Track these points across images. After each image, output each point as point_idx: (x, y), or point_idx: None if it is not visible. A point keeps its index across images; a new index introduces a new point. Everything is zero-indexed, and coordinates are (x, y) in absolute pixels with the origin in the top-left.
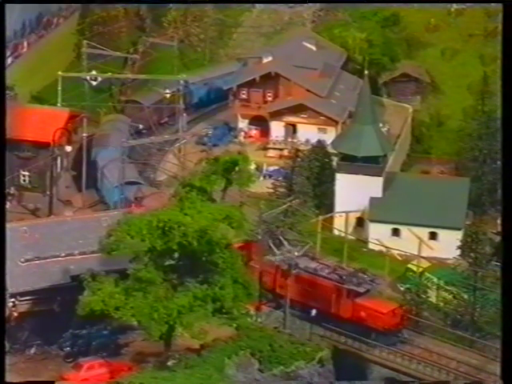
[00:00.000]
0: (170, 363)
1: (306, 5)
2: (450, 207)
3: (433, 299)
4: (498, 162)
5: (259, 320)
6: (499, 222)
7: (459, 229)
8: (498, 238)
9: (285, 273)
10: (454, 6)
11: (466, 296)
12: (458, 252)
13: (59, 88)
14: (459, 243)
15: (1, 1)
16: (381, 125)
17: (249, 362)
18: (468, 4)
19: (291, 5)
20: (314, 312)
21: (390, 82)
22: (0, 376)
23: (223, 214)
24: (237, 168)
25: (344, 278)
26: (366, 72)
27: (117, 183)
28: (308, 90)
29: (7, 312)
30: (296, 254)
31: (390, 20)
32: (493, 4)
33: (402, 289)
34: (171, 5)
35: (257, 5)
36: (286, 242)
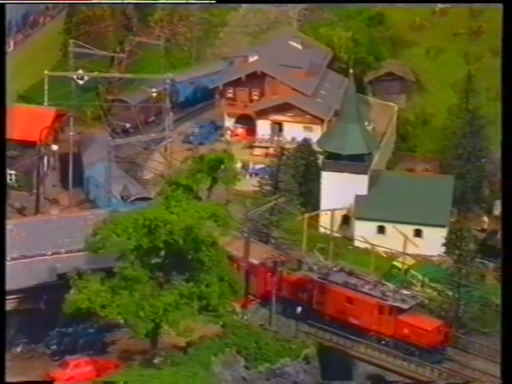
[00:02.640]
0: (156, 361)
1: (291, 4)
2: (434, 205)
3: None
4: (482, 160)
5: (245, 317)
6: (484, 219)
7: (444, 226)
8: (482, 236)
9: (323, 287)
10: (439, 5)
11: (450, 293)
12: (443, 249)
13: (46, 87)
14: (444, 240)
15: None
16: (366, 123)
17: (235, 359)
18: (463, 4)
19: (277, 4)
20: (299, 309)
21: (375, 80)
22: (0, 376)
23: (209, 212)
24: (222, 166)
25: (387, 294)
26: (352, 71)
27: (103, 182)
28: (294, 89)
29: None
30: (334, 269)
31: (375, 19)
32: (493, 4)
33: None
34: (158, 4)
35: (243, 4)
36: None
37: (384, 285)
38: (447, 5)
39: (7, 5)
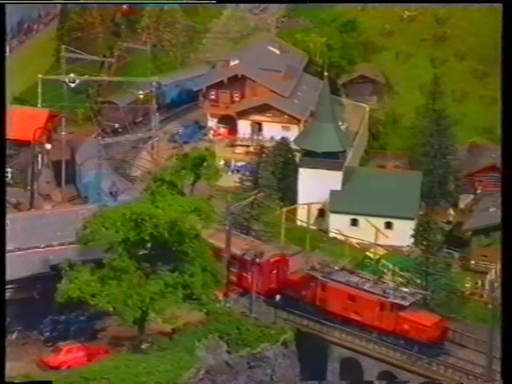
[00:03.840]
0: (143, 346)
1: (269, 12)
2: (404, 199)
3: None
4: (448, 157)
5: (227, 305)
6: (450, 212)
7: (412, 219)
8: (448, 227)
9: (323, 285)
10: (407, 12)
11: (418, 281)
12: (412, 240)
13: (39, 90)
14: (412, 232)
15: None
16: (340, 123)
17: (217, 344)
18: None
19: (256, 11)
20: (278, 297)
21: (348, 83)
22: (0, 376)
23: (192, 206)
24: (205, 163)
25: (387, 291)
26: (326, 74)
27: (93, 178)
28: (272, 91)
29: None
30: (336, 268)
31: (347, 26)
32: (492, 4)
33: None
34: (145, 12)
35: (224, 11)
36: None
37: (384, 283)
38: (414, 12)
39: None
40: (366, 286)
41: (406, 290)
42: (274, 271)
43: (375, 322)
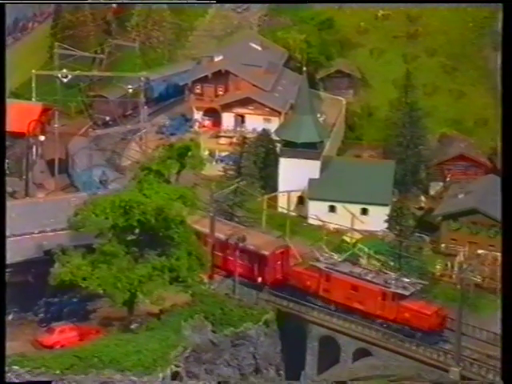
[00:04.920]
0: (133, 326)
1: (252, 11)
2: (378, 186)
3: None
4: (420, 147)
5: (212, 287)
6: (421, 199)
7: (386, 205)
8: (419, 213)
9: (327, 275)
10: (381, 11)
11: (392, 263)
12: (386, 225)
13: (33, 85)
14: (386, 217)
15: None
16: (318, 115)
17: (203, 324)
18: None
19: (239, 10)
20: (259, 279)
21: (325, 77)
22: (0, 376)
23: (177, 194)
24: (189, 153)
25: (389, 281)
26: (305, 69)
27: (85, 168)
28: (254, 85)
29: None
30: (339, 260)
31: (325, 24)
32: (492, 4)
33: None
34: (134, 11)
35: (209, 10)
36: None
37: (386, 273)
38: (388, 11)
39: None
40: (369, 277)
41: (408, 280)
42: (279, 262)
43: (377, 311)
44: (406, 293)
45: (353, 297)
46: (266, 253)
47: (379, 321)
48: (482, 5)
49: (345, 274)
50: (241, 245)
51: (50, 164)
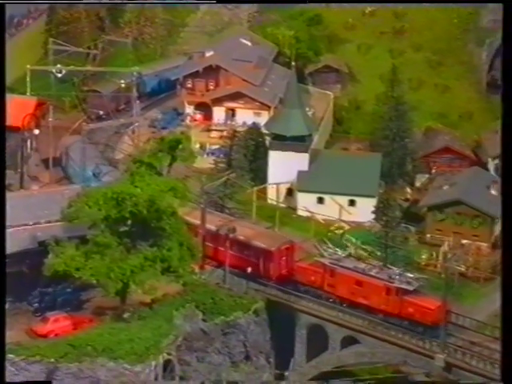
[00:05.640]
0: (125, 316)
1: (242, 7)
2: (365, 178)
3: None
4: (406, 140)
5: (203, 277)
6: (407, 190)
7: (373, 197)
8: (405, 204)
9: (332, 271)
10: (368, 8)
11: (379, 253)
12: (373, 216)
13: (28, 79)
14: (373, 209)
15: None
16: (307, 109)
17: (194, 313)
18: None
19: (230, 7)
20: (249, 269)
21: (314, 72)
22: (0, 376)
23: (169, 185)
24: (180, 146)
25: (393, 277)
26: (294, 64)
27: (79, 161)
28: (244, 80)
29: None
30: (343, 255)
31: (314, 20)
32: (492, 4)
33: (316, 245)
34: (127, 7)
35: (201, 7)
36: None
37: (390, 269)
38: (374, 7)
39: None
40: (373, 272)
41: (411, 275)
42: (284, 258)
43: (381, 306)
44: (410, 288)
45: (357, 292)
46: (272, 249)
47: (383, 315)
48: (482, 5)
49: (349, 269)
50: (243, 239)
51: (45, 157)
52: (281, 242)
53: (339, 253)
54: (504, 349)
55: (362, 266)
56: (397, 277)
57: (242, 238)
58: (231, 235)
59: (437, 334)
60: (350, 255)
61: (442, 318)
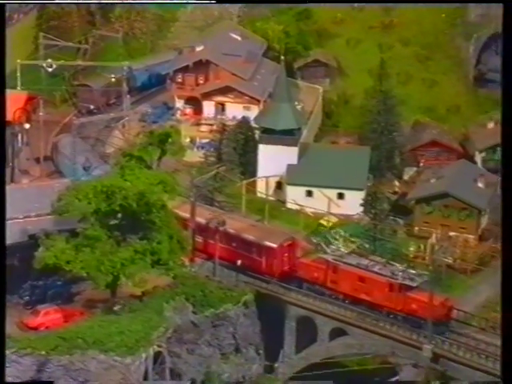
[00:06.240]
0: (115, 308)
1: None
2: (354, 172)
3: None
4: (394, 133)
5: (193, 270)
6: (395, 183)
7: (362, 190)
8: (393, 197)
9: (335, 267)
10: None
11: (367, 245)
12: (361, 209)
13: (18, 74)
14: (362, 202)
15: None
16: (296, 103)
17: (184, 305)
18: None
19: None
20: (239, 262)
21: (303, 66)
22: (0, 376)
23: (158, 179)
24: (170, 140)
25: (396, 273)
26: (283, 58)
27: (69, 155)
28: (234, 74)
29: None
30: (345, 251)
31: (303, 14)
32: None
33: (314, 241)
34: (121, 3)
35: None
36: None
37: (393, 265)
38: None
39: None
40: (376, 268)
41: (414, 271)
42: (286, 254)
43: (385, 302)
44: (413, 284)
45: (360, 288)
46: (274, 245)
47: (386, 311)
48: (481, 4)
49: (352, 265)
50: (246, 236)
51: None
52: (283, 239)
53: (342, 249)
54: (504, 347)
55: (364, 262)
56: (400, 273)
57: (231, 231)
58: (221, 228)
59: (440, 330)
60: (353, 251)
61: (445, 314)
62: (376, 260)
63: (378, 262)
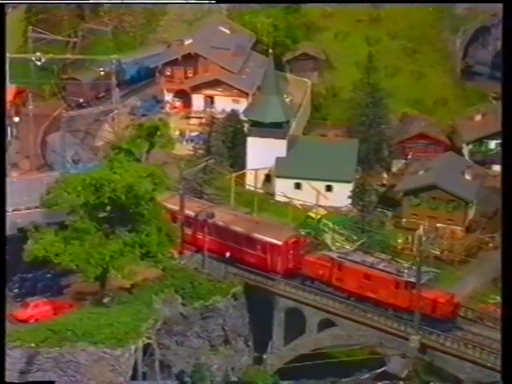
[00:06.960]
0: (105, 300)
1: None
2: (342, 164)
3: (328, 241)
4: (382, 126)
5: (182, 262)
6: (384, 176)
7: (350, 182)
8: (382, 189)
9: (340, 265)
10: None
11: (355, 237)
12: (349, 201)
13: (7, 67)
14: (350, 194)
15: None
16: (284, 96)
17: (173, 297)
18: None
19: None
20: (227, 254)
21: (292, 60)
22: (0, 376)
23: (147, 171)
24: (158, 133)
25: (401, 270)
26: (271, 51)
27: (58, 148)
28: (223, 67)
29: None
30: (350, 249)
31: (291, 8)
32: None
33: (303, 233)
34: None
35: None
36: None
37: (398, 262)
38: None
39: None
40: (381, 266)
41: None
42: (291, 251)
43: (390, 300)
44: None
45: (365, 285)
46: (279, 242)
47: (392, 309)
48: (481, 4)
49: (357, 263)
50: (252, 234)
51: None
52: (288, 236)
53: (347, 246)
54: (504, 347)
55: (370, 259)
56: (405, 270)
57: (220, 223)
58: (210, 221)
59: (446, 327)
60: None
61: (451, 311)
62: (381, 257)
63: (383, 260)
